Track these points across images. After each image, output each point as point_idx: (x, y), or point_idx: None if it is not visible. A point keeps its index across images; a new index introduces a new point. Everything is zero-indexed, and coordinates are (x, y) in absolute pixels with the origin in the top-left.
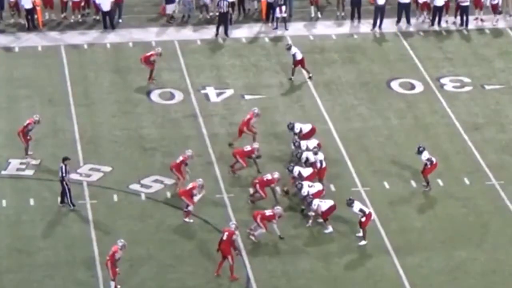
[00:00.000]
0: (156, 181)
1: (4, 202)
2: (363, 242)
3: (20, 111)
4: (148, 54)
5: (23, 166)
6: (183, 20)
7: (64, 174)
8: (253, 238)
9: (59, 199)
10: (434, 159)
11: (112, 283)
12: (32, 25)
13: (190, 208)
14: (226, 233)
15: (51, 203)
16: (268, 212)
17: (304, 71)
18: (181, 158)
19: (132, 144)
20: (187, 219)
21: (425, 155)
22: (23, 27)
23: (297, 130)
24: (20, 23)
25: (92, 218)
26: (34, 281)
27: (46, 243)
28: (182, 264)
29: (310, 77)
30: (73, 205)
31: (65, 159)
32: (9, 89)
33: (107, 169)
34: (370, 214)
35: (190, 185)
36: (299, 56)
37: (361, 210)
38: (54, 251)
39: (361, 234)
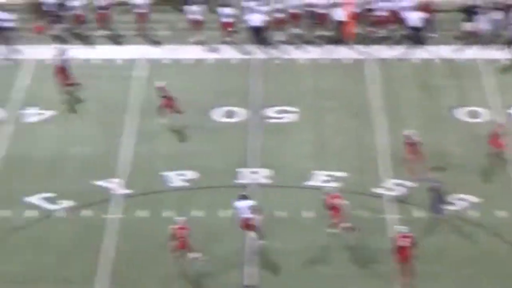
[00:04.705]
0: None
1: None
2: None
3: (325, 123)
4: None
5: (328, 178)
6: (489, 38)
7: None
8: None
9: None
10: None
11: None
12: (339, 38)
13: None
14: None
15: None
16: None
17: None
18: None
19: (433, 160)
20: None
21: None
22: (329, 40)
23: None
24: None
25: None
26: None
27: None
28: None
29: None
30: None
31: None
32: (317, 100)
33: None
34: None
35: None
36: None
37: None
38: None
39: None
